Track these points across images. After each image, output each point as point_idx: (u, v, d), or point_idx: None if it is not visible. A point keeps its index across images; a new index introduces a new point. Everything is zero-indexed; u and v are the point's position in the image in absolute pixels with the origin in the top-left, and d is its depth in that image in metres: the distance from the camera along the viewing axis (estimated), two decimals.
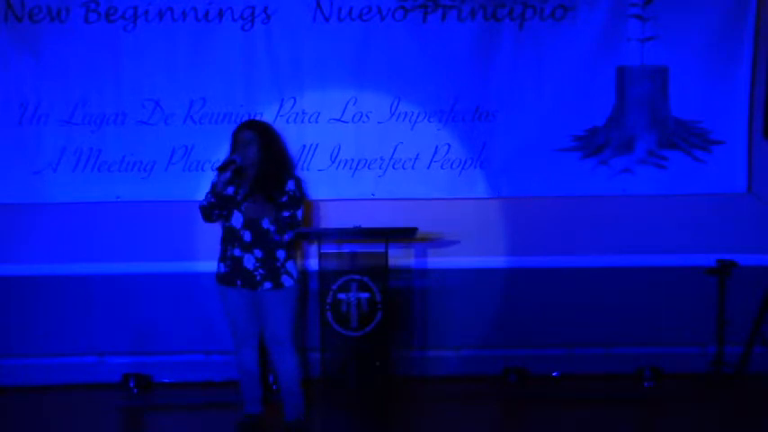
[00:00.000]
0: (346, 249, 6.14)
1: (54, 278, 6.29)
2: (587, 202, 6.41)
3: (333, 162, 6.33)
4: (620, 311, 6.45)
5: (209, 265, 6.31)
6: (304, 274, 6.16)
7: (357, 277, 5.35)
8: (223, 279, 5.43)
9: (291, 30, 6.22)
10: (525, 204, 6.40)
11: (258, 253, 5.30)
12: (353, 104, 6.28)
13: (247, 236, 5.31)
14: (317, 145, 6.29)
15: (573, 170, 6.37)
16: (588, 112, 6.35)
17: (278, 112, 6.28)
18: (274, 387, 6.14)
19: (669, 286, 6.44)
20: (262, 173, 5.36)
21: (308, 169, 6.26)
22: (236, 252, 5.35)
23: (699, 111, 6.37)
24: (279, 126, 6.24)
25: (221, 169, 5.30)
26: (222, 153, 6.26)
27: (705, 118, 6.37)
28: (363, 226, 5.89)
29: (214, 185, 5.36)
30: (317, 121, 6.26)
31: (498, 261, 6.41)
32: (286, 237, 5.30)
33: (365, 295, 5.35)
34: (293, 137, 6.26)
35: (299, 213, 5.39)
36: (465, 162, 6.35)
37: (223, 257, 5.43)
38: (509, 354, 6.42)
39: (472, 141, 6.33)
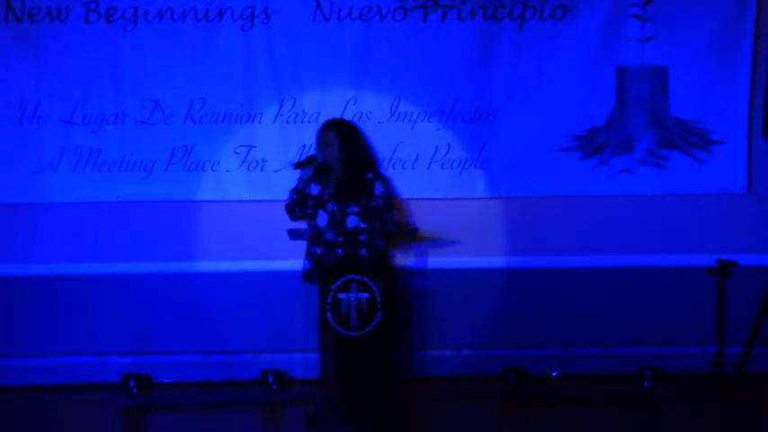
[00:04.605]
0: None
1: (54, 278, 6.29)
2: (587, 202, 6.41)
3: None
4: (620, 311, 6.44)
5: (210, 266, 6.31)
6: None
7: (357, 277, 5.34)
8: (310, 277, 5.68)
9: (291, 30, 6.21)
10: (525, 204, 6.40)
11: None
12: (353, 104, 6.27)
13: (330, 235, 5.54)
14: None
15: (573, 170, 6.37)
16: (588, 112, 6.34)
17: (278, 112, 6.27)
18: (275, 387, 6.17)
19: (669, 286, 6.44)
20: (345, 173, 5.57)
21: None
22: (318, 251, 5.59)
23: (699, 111, 6.36)
24: (279, 126, 6.25)
25: (299, 165, 5.58)
26: (222, 153, 6.29)
27: (705, 118, 6.36)
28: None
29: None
30: (317, 121, 6.23)
31: (498, 261, 6.41)
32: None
33: (365, 295, 5.34)
34: (293, 137, 6.25)
35: (395, 214, 5.67)
36: (465, 162, 6.35)
37: (308, 255, 5.65)
38: (509, 354, 6.42)
39: (472, 141, 6.33)
